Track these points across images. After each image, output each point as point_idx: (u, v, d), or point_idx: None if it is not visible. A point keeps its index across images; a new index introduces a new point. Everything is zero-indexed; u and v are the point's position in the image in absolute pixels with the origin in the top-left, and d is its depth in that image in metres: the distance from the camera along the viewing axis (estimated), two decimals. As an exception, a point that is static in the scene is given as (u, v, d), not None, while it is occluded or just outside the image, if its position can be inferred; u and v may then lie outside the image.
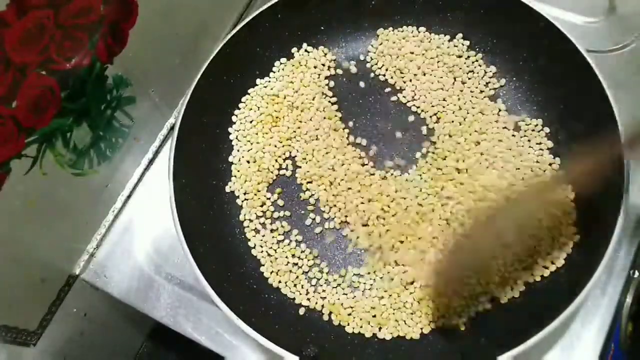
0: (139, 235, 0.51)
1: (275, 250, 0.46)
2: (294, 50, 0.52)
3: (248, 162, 0.49)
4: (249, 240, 0.46)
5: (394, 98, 0.50)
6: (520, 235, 0.41)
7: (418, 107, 0.49)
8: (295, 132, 0.49)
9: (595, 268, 0.37)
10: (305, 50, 0.52)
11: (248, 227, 0.47)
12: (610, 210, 0.38)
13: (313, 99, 0.50)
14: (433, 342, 0.41)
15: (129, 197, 0.52)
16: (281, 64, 0.52)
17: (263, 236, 0.46)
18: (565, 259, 0.41)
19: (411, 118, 0.49)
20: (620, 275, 0.44)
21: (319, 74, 0.51)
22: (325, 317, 0.43)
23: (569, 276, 0.40)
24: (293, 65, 0.51)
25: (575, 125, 0.44)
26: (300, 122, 0.50)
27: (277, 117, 0.50)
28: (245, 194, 0.48)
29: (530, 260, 0.42)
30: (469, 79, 0.50)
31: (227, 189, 0.48)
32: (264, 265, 0.45)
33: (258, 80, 0.51)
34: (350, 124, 0.50)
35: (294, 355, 0.37)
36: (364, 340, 0.42)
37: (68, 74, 0.39)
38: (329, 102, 0.50)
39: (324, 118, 0.49)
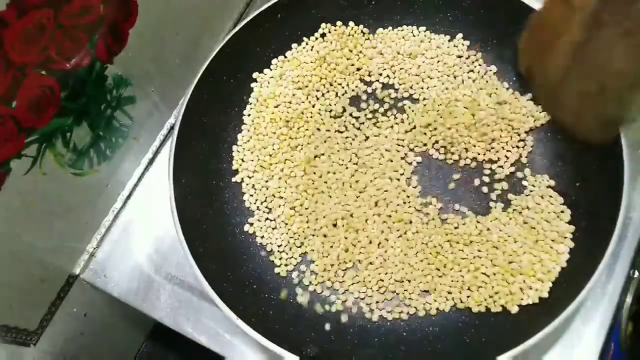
0: (139, 235, 0.51)
1: (278, 245, 0.46)
2: (292, 47, 0.52)
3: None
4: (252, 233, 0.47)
5: (393, 95, 0.50)
6: None
7: (418, 109, 0.50)
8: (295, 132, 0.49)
9: (595, 268, 0.37)
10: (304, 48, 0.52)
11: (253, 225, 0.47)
12: (610, 209, 0.38)
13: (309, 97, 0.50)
14: (433, 342, 0.41)
15: (129, 197, 0.52)
16: (279, 61, 0.52)
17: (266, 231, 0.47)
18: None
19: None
20: (620, 275, 0.44)
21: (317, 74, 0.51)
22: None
23: (569, 276, 0.40)
24: (290, 62, 0.52)
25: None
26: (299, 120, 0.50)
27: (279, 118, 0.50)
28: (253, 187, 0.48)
29: None
30: (469, 78, 0.50)
31: (234, 179, 0.48)
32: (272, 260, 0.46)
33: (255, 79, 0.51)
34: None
35: (294, 355, 0.37)
36: (364, 341, 0.42)
37: (68, 74, 0.39)
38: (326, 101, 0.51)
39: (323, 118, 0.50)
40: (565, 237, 0.42)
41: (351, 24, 0.52)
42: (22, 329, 0.45)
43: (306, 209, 0.47)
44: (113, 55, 0.43)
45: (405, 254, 0.44)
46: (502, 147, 0.47)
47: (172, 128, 0.52)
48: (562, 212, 0.43)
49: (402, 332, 0.42)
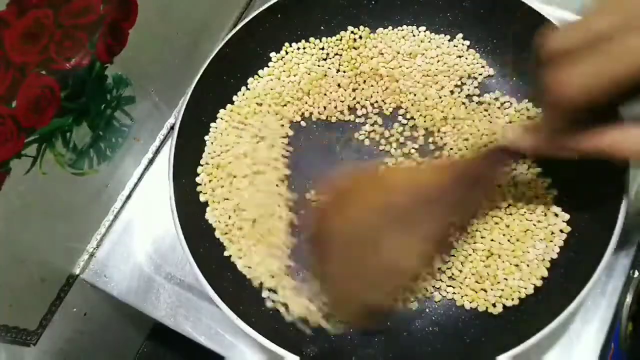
0: (139, 235, 0.51)
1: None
2: (292, 47, 0.52)
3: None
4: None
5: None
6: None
7: (418, 112, 0.50)
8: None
9: (595, 268, 0.37)
10: (303, 48, 0.52)
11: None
12: (611, 209, 0.38)
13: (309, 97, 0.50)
14: (433, 342, 0.41)
15: (129, 197, 0.52)
16: (278, 60, 0.52)
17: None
18: (564, 258, 0.41)
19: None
20: (620, 275, 0.44)
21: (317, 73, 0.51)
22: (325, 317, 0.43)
23: (569, 276, 0.40)
24: (289, 62, 0.52)
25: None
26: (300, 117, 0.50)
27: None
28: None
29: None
30: (469, 78, 0.50)
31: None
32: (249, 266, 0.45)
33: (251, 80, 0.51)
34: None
35: (294, 355, 0.37)
36: (364, 341, 0.42)
37: (68, 74, 0.39)
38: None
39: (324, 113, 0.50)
40: (561, 232, 0.42)
41: (351, 24, 0.52)
42: (22, 329, 0.45)
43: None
44: (113, 55, 0.43)
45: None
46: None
47: (172, 128, 0.52)
48: (561, 210, 0.43)
49: (402, 332, 0.42)
